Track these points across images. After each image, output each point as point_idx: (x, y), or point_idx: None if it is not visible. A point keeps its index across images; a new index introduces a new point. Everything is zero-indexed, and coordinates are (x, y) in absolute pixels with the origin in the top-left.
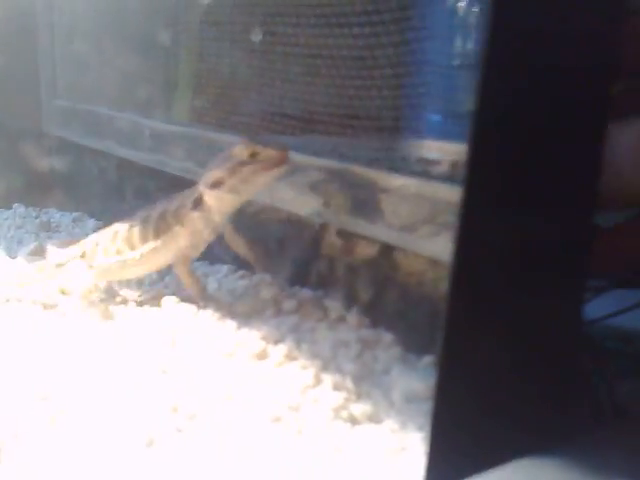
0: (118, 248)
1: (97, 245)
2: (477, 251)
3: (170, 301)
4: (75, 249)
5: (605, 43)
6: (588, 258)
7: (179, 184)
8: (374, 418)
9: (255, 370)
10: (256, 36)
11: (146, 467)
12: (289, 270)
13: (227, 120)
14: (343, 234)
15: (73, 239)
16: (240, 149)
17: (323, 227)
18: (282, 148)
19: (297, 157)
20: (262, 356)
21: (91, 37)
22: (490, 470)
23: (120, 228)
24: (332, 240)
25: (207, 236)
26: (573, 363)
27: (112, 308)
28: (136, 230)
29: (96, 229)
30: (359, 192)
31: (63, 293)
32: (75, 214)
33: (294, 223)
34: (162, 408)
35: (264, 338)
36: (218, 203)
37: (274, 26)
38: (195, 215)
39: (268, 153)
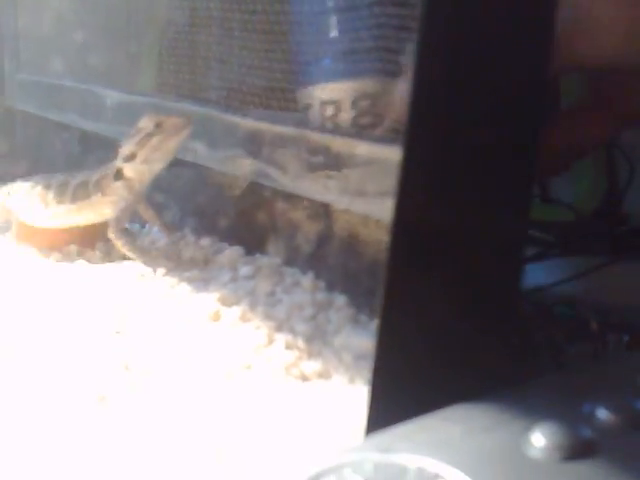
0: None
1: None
2: (416, 209)
3: (127, 265)
4: None
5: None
6: (527, 222)
7: None
8: (324, 375)
9: (209, 331)
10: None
11: (97, 423)
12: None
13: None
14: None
15: None
16: (145, 121)
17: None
18: (184, 115)
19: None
20: (216, 317)
21: (54, 10)
22: (425, 414)
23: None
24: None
25: (131, 204)
26: (515, 318)
27: (68, 266)
28: (52, 191)
29: None
30: None
31: None
32: None
33: None
34: (114, 366)
35: (219, 301)
36: (136, 174)
37: None
38: (117, 185)
39: (172, 121)
